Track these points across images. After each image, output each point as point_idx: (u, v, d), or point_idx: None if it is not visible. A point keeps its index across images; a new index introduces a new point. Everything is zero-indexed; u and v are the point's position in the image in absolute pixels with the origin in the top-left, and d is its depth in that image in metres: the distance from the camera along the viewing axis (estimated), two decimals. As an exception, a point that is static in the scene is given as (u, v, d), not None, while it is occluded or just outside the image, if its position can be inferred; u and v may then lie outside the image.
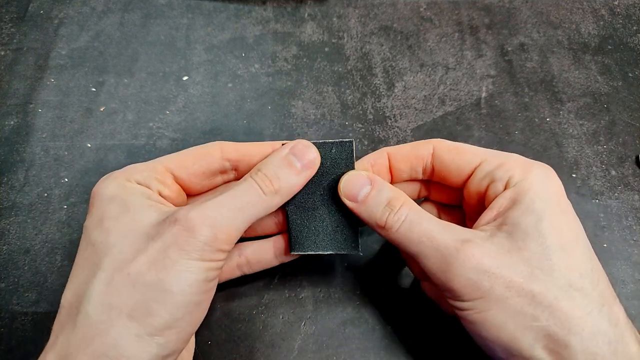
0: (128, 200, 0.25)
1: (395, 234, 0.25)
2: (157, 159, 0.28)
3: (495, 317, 0.23)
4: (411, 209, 0.25)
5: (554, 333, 0.22)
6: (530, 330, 0.22)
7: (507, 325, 0.22)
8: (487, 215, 0.25)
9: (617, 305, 0.23)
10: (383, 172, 0.29)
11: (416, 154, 0.28)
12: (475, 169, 0.27)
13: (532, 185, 0.25)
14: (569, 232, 0.24)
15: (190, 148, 0.28)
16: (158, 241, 0.23)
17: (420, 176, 0.29)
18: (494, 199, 0.25)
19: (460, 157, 0.27)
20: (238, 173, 0.29)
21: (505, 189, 0.25)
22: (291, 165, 0.27)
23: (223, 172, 0.29)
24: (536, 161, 0.26)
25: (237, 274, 0.31)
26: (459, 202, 0.30)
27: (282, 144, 0.28)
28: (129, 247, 0.23)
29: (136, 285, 0.22)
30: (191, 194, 0.29)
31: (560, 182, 0.26)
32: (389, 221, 0.25)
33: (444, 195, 0.30)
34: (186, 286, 0.23)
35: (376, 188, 0.26)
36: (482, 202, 0.27)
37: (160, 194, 0.27)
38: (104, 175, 0.27)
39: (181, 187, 0.28)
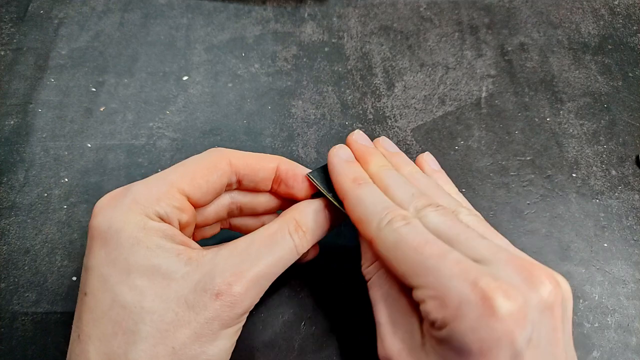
0: (154, 250, 0.23)
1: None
2: (165, 177, 0.25)
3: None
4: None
5: None
6: None
7: None
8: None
9: None
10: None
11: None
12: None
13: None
14: None
15: (196, 159, 0.26)
16: (200, 314, 0.22)
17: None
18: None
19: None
20: (240, 186, 0.28)
21: None
22: (326, 222, 0.27)
23: (228, 184, 0.28)
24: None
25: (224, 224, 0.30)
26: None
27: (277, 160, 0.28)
28: (169, 316, 0.22)
29: (182, 359, 0.22)
30: (198, 207, 0.28)
31: None
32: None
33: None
34: (224, 353, 0.23)
35: None
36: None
37: (179, 223, 0.25)
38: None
39: (193, 204, 0.26)
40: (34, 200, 0.36)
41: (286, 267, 0.25)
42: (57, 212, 0.36)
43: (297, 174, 0.28)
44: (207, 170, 0.26)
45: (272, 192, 0.29)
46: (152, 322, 0.21)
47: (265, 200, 0.29)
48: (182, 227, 0.26)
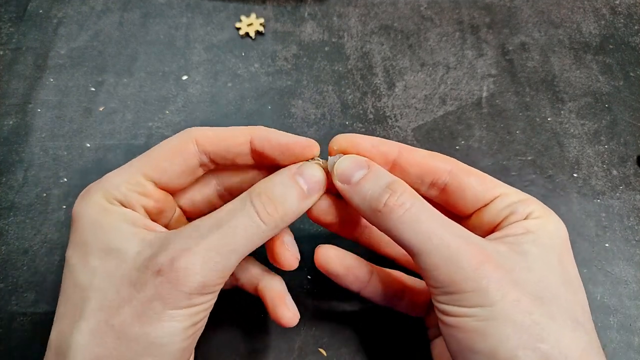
0: (110, 231, 0.23)
1: (396, 221, 0.22)
2: (132, 164, 0.25)
3: (498, 328, 0.21)
4: (416, 198, 0.23)
5: None
6: (534, 351, 0.20)
7: (510, 340, 0.20)
8: (496, 235, 0.24)
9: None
10: (382, 165, 0.26)
11: (431, 165, 0.26)
12: (494, 199, 0.25)
13: (549, 224, 0.24)
14: (573, 272, 0.24)
15: (162, 143, 0.26)
16: (141, 292, 0.21)
17: (423, 189, 0.26)
18: (505, 227, 0.24)
19: (483, 184, 0.25)
20: (217, 166, 0.27)
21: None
22: (299, 188, 0.24)
23: (203, 164, 0.26)
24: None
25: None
26: None
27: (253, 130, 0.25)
28: (112, 294, 0.22)
29: (121, 338, 0.21)
30: (175, 193, 0.27)
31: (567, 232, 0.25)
32: (390, 203, 0.22)
33: None
34: (173, 337, 0.22)
35: (374, 171, 0.24)
36: (489, 234, 0.25)
37: (145, 209, 0.25)
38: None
39: (164, 189, 0.26)
40: (33, 200, 0.36)
41: (253, 241, 0.23)
42: (56, 212, 0.36)
43: (272, 142, 0.25)
44: (172, 152, 0.25)
45: (258, 165, 0.27)
46: (96, 300, 0.21)
47: (252, 177, 0.27)
48: (154, 214, 0.25)
